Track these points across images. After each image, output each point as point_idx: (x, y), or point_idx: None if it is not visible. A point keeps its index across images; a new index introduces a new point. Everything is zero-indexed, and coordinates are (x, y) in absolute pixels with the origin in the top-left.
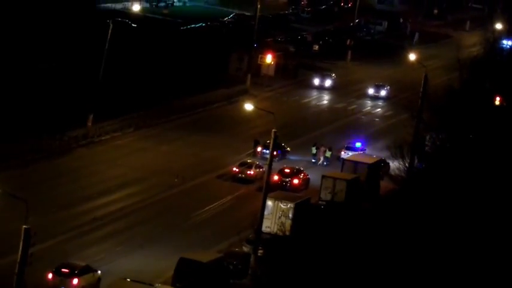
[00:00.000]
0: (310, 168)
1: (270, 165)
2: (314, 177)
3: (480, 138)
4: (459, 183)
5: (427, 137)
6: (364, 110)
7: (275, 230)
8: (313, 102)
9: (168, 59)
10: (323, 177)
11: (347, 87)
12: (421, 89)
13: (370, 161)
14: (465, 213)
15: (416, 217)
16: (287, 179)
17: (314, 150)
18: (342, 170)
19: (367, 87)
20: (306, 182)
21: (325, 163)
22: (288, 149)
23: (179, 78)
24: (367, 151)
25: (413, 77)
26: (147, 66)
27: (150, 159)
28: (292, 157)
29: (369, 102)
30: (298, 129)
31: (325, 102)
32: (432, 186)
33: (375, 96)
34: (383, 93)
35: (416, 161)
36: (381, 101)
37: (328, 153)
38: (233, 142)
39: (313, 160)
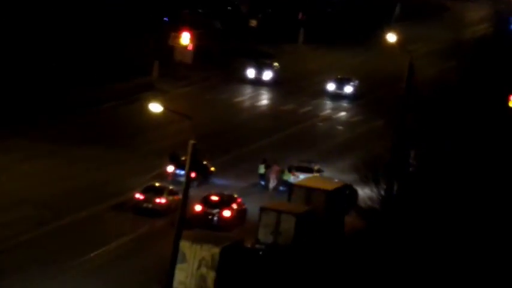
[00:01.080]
0: (251, 196)
1: (186, 191)
2: (256, 208)
3: (487, 154)
4: (456, 219)
5: (412, 154)
6: (321, 114)
7: (192, 287)
8: (249, 103)
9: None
10: (262, 210)
11: (297, 81)
12: (404, 85)
13: (329, 186)
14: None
15: (394, 267)
16: (214, 211)
17: (262, 169)
18: (289, 200)
19: (326, 82)
20: (241, 214)
21: (280, 188)
22: (212, 168)
23: (57, 66)
24: (326, 173)
25: (393, 68)
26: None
27: (9, 184)
28: (218, 180)
29: (329, 102)
30: (228, 141)
31: (265, 102)
32: (418, 224)
33: (338, 94)
34: (348, 90)
35: (395, 187)
36: (346, 101)
37: (287, 175)
38: (133, 158)
39: (261, 182)
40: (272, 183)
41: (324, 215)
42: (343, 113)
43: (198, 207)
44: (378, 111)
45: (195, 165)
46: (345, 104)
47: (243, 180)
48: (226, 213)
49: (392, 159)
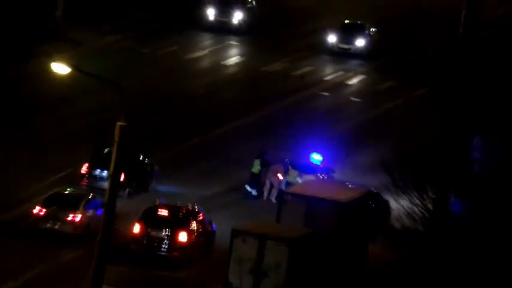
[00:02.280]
0: (228, 209)
1: (110, 203)
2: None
3: None
4: None
5: (476, 143)
6: (326, 79)
7: None
8: (211, 61)
9: None
10: (234, 234)
11: (282, 26)
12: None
13: (343, 196)
14: None
15: None
16: (162, 233)
17: (257, 167)
18: (279, 217)
19: (325, 31)
20: (206, 239)
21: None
22: (156, 167)
23: None
24: (336, 174)
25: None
26: None
27: None
28: (165, 187)
29: (332, 63)
30: (180, 123)
31: (236, 59)
32: (484, 255)
33: (344, 50)
34: (360, 43)
35: (450, 196)
36: (358, 61)
37: (292, 176)
38: (31, 149)
39: (248, 188)
40: (266, 190)
41: (334, 241)
42: (358, 78)
43: (136, 228)
44: (414, 75)
45: (126, 161)
46: (357, 65)
47: (209, 185)
48: (182, 236)
49: (445, 152)
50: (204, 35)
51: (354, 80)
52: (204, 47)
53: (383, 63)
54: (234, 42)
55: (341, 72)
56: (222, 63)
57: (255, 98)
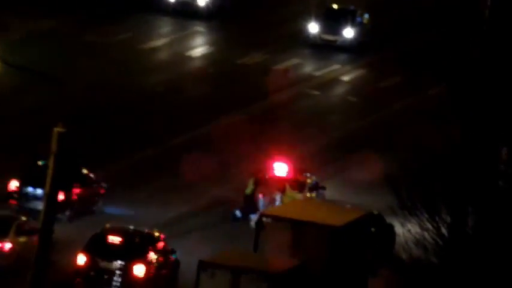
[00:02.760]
0: (199, 234)
1: (45, 228)
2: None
3: None
4: None
5: (504, 153)
6: (315, 74)
7: None
8: (172, 52)
9: None
10: (202, 267)
11: (258, 11)
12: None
13: (337, 219)
14: None
15: None
16: (114, 265)
17: (251, 188)
18: (255, 247)
19: (306, 19)
20: (168, 272)
21: None
22: (104, 184)
23: None
24: (330, 191)
25: None
26: None
27: None
28: (115, 209)
29: (316, 56)
30: (133, 128)
31: (202, 49)
32: None
33: (328, 42)
34: (349, 33)
35: (470, 219)
36: (347, 55)
37: (289, 195)
38: None
39: (237, 213)
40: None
41: (326, 276)
42: (356, 73)
43: (81, 259)
44: (425, 70)
45: (66, 177)
46: (352, 58)
47: (171, 205)
48: (139, 269)
49: (463, 163)
50: (164, 20)
51: (351, 76)
52: (164, 34)
53: (385, 56)
54: (200, 29)
55: (335, 66)
56: (187, 54)
57: (228, 97)
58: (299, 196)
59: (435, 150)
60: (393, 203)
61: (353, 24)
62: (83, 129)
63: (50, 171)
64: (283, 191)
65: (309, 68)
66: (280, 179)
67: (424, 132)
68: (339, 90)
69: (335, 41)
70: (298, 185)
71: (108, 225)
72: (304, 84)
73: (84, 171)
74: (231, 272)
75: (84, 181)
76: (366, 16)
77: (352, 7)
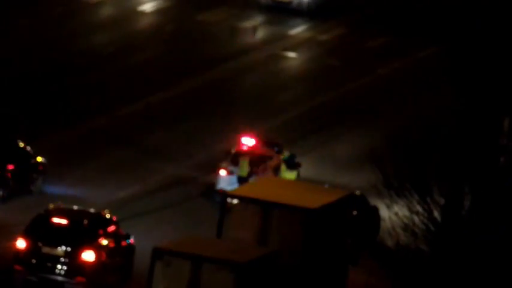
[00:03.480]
0: (156, 216)
1: None
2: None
3: None
4: None
5: (506, 124)
6: (289, 33)
7: None
8: (123, 5)
9: None
10: (157, 254)
11: None
12: None
13: (313, 201)
14: None
15: None
16: (59, 249)
17: (245, 169)
18: (219, 232)
19: None
20: (122, 259)
21: None
22: (39, 159)
23: None
24: (305, 169)
25: None
26: None
27: None
28: (53, 188)
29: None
30: (76, 97)
31: (159, 3)
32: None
33: (279, 3)
34: None
35: (467, 201)
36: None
37: (289, 174)
38: None
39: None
40: None
41: (300, 265)
42: (337, 32)
43: (21, 243)
44: (417, 28)
45: None
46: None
47: (122, 184)
48: (88, 255)
49: (459, 136)
50: None
51: (331, 35)
52: None
53: (369, 13)
54: None
55: (313, 24)
56: (138, 9)
57: (187, 60)
58: (293, 175)
59: (427, 121)
60: (378, 182)
61: None
62: (19, 99)
63: None
64: (277, 170)
65: (280, 27)
66: (244, 152)
67: (415, 101)
68: (318, 51)
69: (290, 3)
70: (260, 160)
71: (52, 206)
72: (276, 46)
73: (20, 144)
74: (191, 260)
75: (19, 156)
76: None
77: None
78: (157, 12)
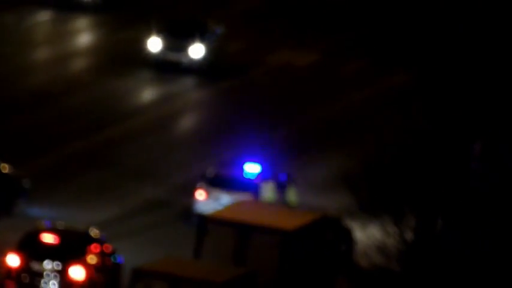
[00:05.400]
0: (139, 236)
1: None
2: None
3: None
4: None
5: (477, 148)
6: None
7: None
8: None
9: None
10: (136, 276)
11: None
12: None
13: (289, 223)
14: None
15: None
16: (48, 266)
17: (272, 195)
18: (198, 252)
19: (146, 34)
20: (109, 276)
21: None
22: (25, 182)
23: None
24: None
25: None
26: None
27: None
28: (34, 210)
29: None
30: (54, 122)
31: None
32: None
33: (170, 62)
34: (196, 52)
35: (438, 223)
36: (192, 76)
37: (292, 195)
38: None
39: None
40: None
41: (276, 285)
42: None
43: (15, 259)
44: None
45: None
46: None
47: (102, 205)
48: (77, 271)
49: (431, 160)
50: None
51: (306, 60)
52: None
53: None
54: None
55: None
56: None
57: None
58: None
59: (399, 145)
60: (352, 205)
61: (202, 39)
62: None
63: None
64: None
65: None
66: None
67: (387, 124)
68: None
69: (179, 61)
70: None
71: (40, 224)
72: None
73: (3, 167)
74: (169, 281)
75: (1, 179)
76: (218, 29)
77: (195, 20)
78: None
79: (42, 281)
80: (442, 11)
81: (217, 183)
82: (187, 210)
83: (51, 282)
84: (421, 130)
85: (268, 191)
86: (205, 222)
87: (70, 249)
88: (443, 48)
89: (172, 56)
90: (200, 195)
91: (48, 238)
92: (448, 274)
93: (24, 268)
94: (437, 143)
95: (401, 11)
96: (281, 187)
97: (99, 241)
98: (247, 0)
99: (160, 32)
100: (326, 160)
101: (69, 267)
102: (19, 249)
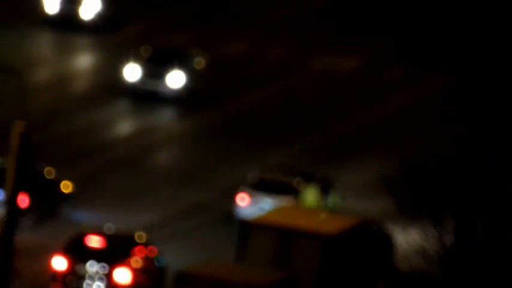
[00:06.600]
0: (186, 240)
1: (7, 235)
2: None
3: None
4: None
5: None
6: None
7: None
8: None
9: None
10: (181, 279)
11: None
12: None
13: (330, 227)
14: None
15: None
16: (94, 268)
17: (312, 196)
18: (241, 255)
19: (125, 62)
20: (154, 279)
21: None
22: (70, 187)
23: None
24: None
25: None
26: None
27: None
28: (81, 215)
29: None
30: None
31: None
32: None
33: (148, 91)
34: (174, 82)
35: (479, 227)
36: (172, 106)
37: (334, 198)
38: None
39: None
40: None
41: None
42: (354, 61)
43: (61, 262)
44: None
45: (27, 179)
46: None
47: (146, 209)
48: (122, 274)
49: (471, 163)
50: None
51: (347, 66)
52: None
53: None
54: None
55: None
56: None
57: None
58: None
59: (441, 150)
60: (392, 210)
61: (181, 67)
62: (45, 129)
63: (9, 173)
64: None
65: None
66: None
67: (429, 130)
68: (335, 80)
69: (157, 90)
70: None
71: (86, 227)
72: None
73: (48, 171)
74: (212, 285)
75: (46, 182)
76: (199, 58)
77: (175, 48)
78: None
79: (87, 283)
80: (485, 19)
81: (260, 187)
82: (229, 215)
83: (96, 285)
84: (461, 135)
85: (310, 196)
86: (248, 227)
87: (115, 252)
88: (483, 54)
89: (151, 85)
90: (242, 200)
91: (94, 241)
92: (487, 278)
93: (70, 271)
94: (477, 148)
95: (444, 18)
96: (323, 191)
97: (144, 244)
98: (286, 7)
99: (138, 60)
100: (367, 164)
101: (114, 270)
102: (65, 252)
